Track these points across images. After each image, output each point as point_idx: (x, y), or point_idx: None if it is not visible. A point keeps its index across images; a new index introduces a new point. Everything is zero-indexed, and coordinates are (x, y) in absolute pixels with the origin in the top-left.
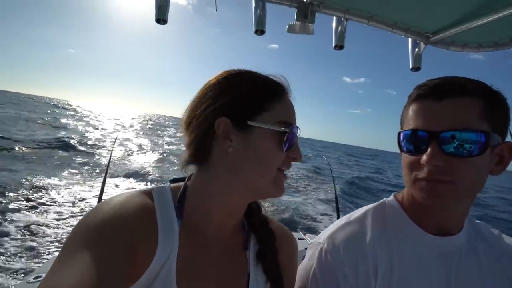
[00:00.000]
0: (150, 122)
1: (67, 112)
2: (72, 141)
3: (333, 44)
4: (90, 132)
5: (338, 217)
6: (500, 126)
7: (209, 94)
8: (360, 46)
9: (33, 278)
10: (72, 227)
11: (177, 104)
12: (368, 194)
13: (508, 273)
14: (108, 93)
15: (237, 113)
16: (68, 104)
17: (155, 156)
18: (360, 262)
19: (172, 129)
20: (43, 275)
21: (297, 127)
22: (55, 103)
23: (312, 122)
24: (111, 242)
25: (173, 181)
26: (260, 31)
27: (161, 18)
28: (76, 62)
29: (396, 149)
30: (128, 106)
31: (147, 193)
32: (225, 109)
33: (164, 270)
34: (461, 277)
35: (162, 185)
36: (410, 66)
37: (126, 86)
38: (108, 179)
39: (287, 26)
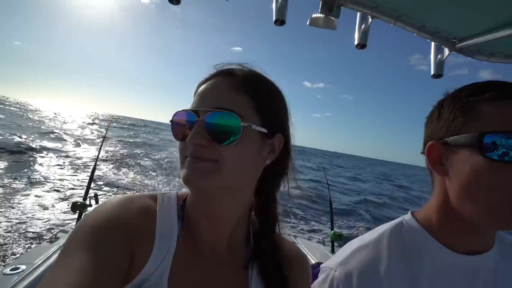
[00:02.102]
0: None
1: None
2: None
3: (356, 42)
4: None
5: (332, 223)
6: None
7: None
8: (318, 49)
9: (10, 270)
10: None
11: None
12: None
13: None
14: (63, 92)
15: None
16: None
17: None
18: None
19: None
20: (21, 267)
21: (188, 110)
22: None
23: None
24: (108, 244)
25: None
26: (280, 21)
27: None
28: (23, 56)
29: (359, 153)
30: (88, 106)
31: (153, 197)
32: None
33: (156, 274)
34: None
35: (169, 191)
36: (432, 73)
37: (84, 85)
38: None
39: (309, 19)
